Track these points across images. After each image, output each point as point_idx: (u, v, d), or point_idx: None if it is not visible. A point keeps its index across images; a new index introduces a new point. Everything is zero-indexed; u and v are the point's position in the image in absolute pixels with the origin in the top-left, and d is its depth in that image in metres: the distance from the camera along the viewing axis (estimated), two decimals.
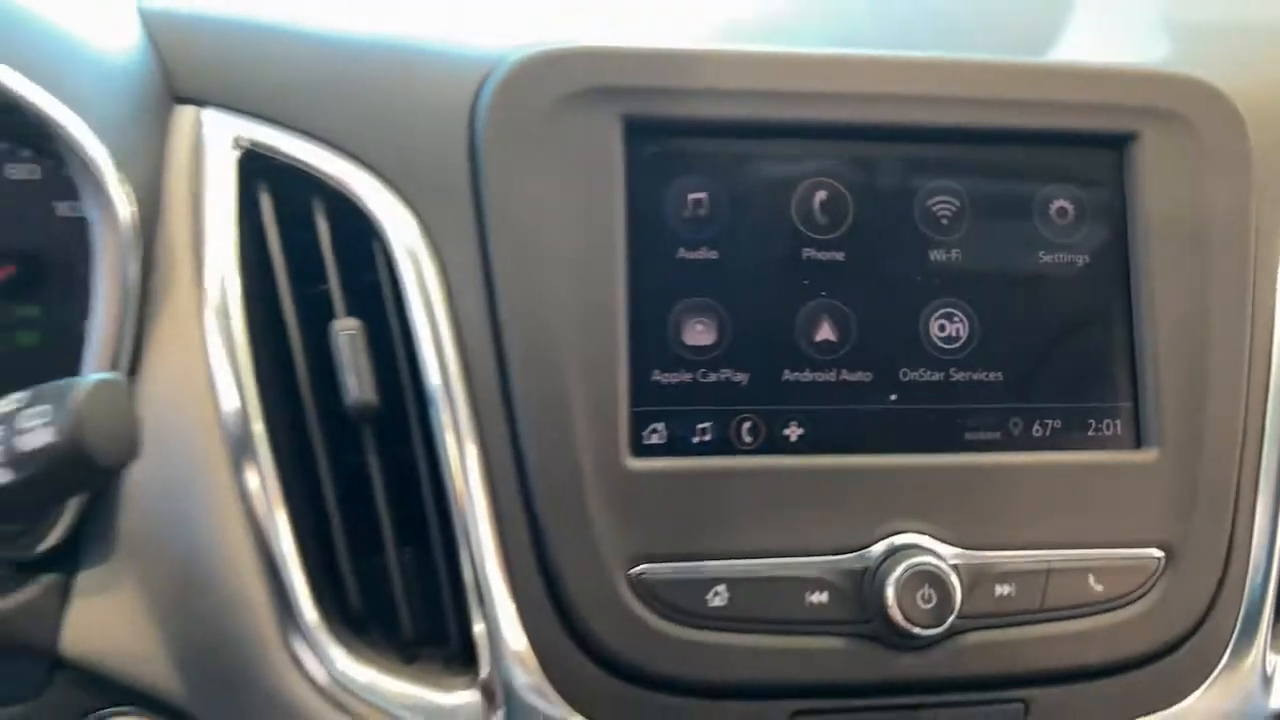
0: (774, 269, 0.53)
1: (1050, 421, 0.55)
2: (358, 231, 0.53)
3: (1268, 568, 0.55)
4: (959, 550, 0.52)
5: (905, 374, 0.54)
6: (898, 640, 0.51)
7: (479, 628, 0.50)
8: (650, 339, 0.52)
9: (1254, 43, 0.69)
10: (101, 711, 0.52)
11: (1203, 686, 0.55)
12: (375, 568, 0.52)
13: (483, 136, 0.52)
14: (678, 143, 0.53)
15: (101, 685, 0.51)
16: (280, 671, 0.49)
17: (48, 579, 0.51)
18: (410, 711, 0.50)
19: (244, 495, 0.49)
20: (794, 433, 0.53)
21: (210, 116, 0.54)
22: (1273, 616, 0.56)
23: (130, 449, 0.44)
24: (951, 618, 0.50)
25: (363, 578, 0.51)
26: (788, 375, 0.53)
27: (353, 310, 0.53)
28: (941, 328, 0.54)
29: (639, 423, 0.51)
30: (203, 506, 0.50)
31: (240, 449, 0.50)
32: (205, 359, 0.50)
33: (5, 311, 0.62)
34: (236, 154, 0.53)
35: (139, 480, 0.50)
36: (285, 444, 0.51)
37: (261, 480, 0.50)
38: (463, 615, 0.51)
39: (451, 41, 0.56)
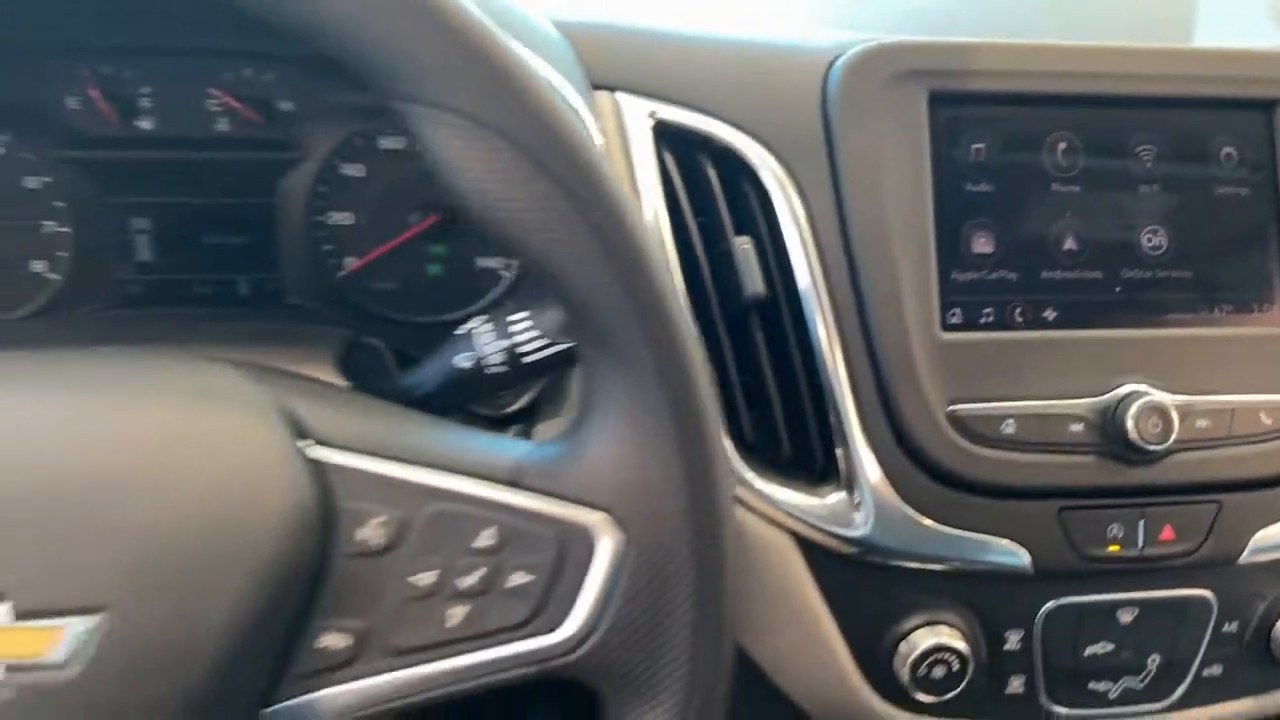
0: (1032, 198, 0.73)
1: (1227, 305, 0.75)
2: (731, 181, 0.72)
3: None
4: (1170, 394, 0.71)
5: (1125, 272, 0.74)
6: (1133, 456, 0.70)
7: (840, 450, 0.70)
8: (950, 249, 0.71)
9: None
10: None
11: None
12: (761, 416, 0.72)
13: (834, 104, 0.71)
14: (965, 109, 0.72)
15: None
16: None
17: (515, 428, 0.72)
18: (797, 509, 0.69)
19: None
20: (1050, 314, 0.72)
21: (625, 99, 0.71)
22: None
23: None
24: (1172, 437, 0.69)
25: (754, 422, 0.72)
26: (1045, 274, 0.73)
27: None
28: (1148, 239, 0.74)
29: (945, 307, 0.71)
30: None
31: None
32: None
33: (424, 249, 0.80)
34: (650, 123, 0.72)
35: None
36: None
37: None
38: (827, 443, 0.70)
39: (794, 38, 0.76)
